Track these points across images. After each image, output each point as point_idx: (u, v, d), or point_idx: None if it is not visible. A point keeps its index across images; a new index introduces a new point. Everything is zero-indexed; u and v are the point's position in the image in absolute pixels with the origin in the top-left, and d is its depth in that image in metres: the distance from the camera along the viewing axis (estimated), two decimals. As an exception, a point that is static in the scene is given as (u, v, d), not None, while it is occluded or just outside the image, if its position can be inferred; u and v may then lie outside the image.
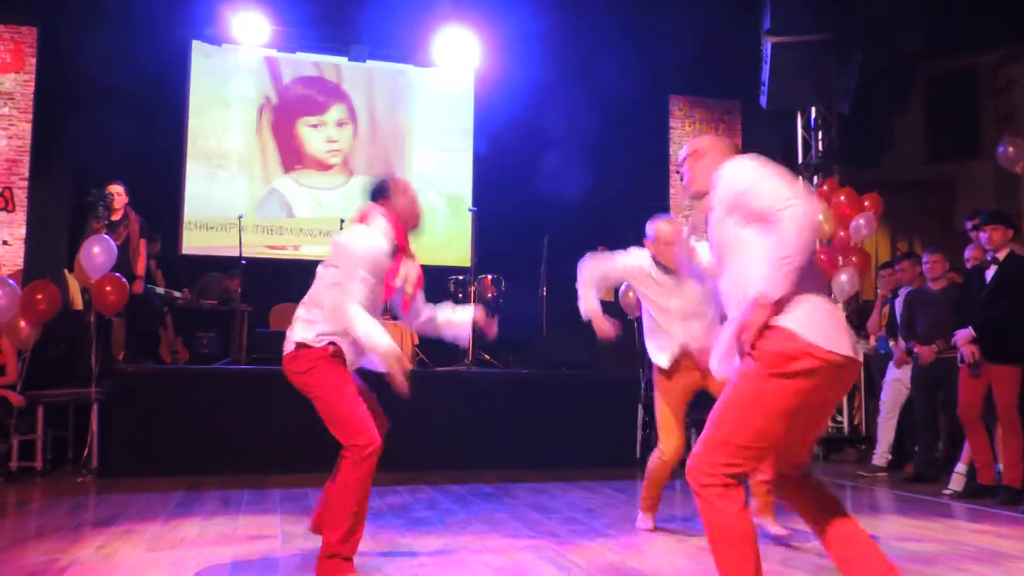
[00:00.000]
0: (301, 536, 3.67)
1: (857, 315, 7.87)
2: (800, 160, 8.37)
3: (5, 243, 7.15)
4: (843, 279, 7.30)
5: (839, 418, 7.58)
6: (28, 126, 7.27)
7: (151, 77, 8.12)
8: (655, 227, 3.76)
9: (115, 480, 5.23)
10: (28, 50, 7.31)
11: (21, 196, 7.22)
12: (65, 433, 5.94)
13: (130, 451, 5.50)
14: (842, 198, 7.37)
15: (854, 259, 7.35)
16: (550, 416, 6.39)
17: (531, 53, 8.91)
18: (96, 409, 5.62)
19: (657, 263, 3.76)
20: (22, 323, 5.83)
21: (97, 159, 7.54)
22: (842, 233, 7.39)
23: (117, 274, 5.89)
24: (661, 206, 9.00)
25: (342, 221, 7.90)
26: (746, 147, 10.29)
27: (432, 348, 7.33)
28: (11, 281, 5.93)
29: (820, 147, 8.23)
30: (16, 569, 3.02)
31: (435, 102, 9.45)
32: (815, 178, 8.21)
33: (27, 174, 7.24)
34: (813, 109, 8.26)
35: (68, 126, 7.66)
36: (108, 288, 5.80)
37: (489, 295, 7.36)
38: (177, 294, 7.65)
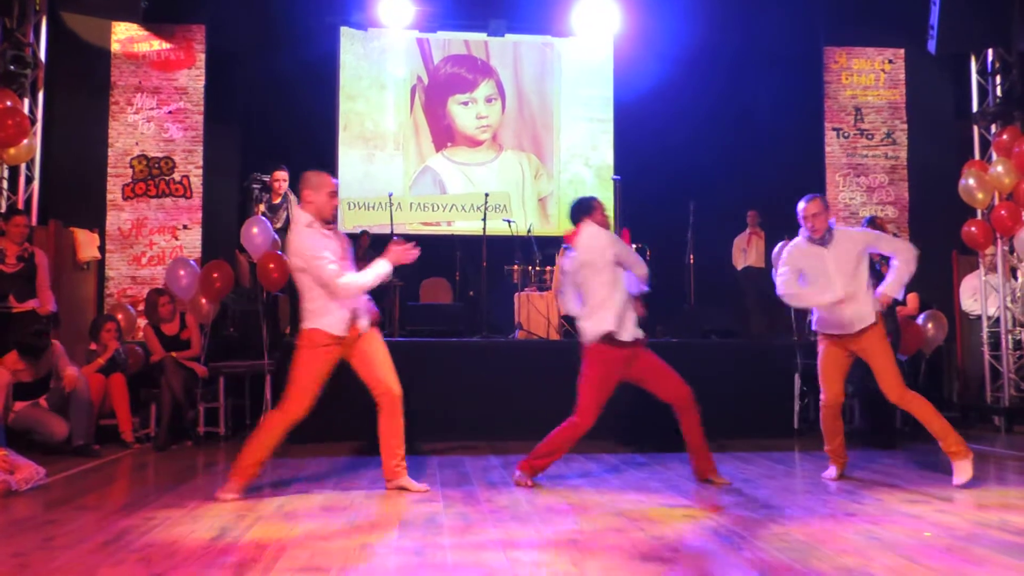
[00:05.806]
0: (461, 501, 3.80)
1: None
2: (976, 108, 7.65)
3: (185, 227, 7.79)
4: (1027, 237, 6.64)
5: (1024, 389, 6.94)
6: (200, 118, 7.85)
7: (305, 65, 8.55)
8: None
9: (286, 445, 5.58)
10: (198, 47, 7.87)
11: (197, 183, 7.83)
12: (243, 401, 6.45)
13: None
14: (1026, 148, 6.67)
15: (1041, 214, 6.67)
16: (700, 385, 6.19)
17: (673, 13, 8.63)
18: (269, 379, 6.05)
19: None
20: (203, 300, 6.35)
21: (259, 145, 8.05)
22: (1026, 186, 6.71)
23: (279, 252, 6.27)
24: (815, 165, 8.52)
25: (487, 195, 8.03)
26: (911, 98, 9.53)
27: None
28: (192, 262, 6.47)
29: (999, 92, 7.47)
30: (209, 524, 3.31)
31: (577, 72, 9.39)
32: (992, 127, 7.48)
33: (201, 163, 7.83)
34: (990, 51, 7.50)
35: (234, 116, 8.21)
36: (271, 266, 6.18)
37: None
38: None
